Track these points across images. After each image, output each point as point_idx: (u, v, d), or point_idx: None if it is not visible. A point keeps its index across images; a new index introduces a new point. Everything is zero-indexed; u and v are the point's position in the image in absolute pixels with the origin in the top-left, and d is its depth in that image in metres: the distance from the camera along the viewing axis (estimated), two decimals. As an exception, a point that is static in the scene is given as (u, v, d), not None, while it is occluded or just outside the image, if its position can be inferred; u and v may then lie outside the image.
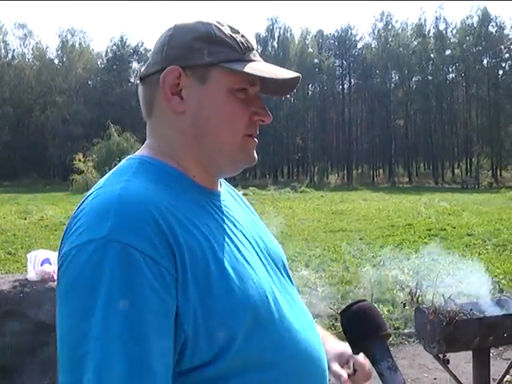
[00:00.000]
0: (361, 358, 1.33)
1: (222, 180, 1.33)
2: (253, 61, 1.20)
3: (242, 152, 1.22)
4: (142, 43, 75.88)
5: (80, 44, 73.99)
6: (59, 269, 1.05)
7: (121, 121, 52.71)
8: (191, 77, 1.17)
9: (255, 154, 1.25)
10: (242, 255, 1.15)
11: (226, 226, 1.19)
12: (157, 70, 1.19)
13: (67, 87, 69.28)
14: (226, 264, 1.09)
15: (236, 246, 1.16)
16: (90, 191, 1.13)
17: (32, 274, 4.36)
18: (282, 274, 1.28)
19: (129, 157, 1.24)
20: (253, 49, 1.22)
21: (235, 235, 1.19)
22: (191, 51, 1.17)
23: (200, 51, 1.16)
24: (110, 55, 73.87)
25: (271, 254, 1.29)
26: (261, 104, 1.22)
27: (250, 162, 1.25)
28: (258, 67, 1.19)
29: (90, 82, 74.13)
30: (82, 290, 0.97)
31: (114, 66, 72.27)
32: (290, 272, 1.36)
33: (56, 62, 74.47)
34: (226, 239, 1.15)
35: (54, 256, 4.46)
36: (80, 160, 43.45)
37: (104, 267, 0.96)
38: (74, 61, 70.96)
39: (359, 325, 1.22)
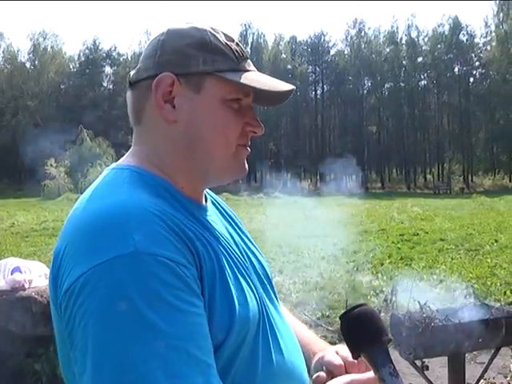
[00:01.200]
0: (330, 356, 1.32)
1: (206, 191, 1.29)
2: (247, 70, 1.17)
3: (235, 161, 1.19)
4: (115, 47, 75.85)
5: (52, 47, 73.18)
6: (68, 301, 0.94)
7: (93, 126, 52.24)
8: (185, 85, 1.13)
9: (246, 165, 1.22)
10: (233, 269, 1.12)
11: (216, 240, 1.15)
12: (148, 76, 1.15)
13: (39, 91, 68.61)
14: (227, 276, 1.07)
15: (230, 260, 1.14)
16: (83, 203, 1.06)
17: (2, 283, 4.26)
18: (266, 291, 1.26)
19: (114, 166, 1.17)
20: (247, 58, 1.19)
21: (226, 249, 1.16)
22: (186, 58, 1.13)
23: (195, 59, 1.13)
24: (83, 59, 73.28)
25: (257, 269, 1.27)
26: (253, 115, 1.19)
27: (241, 172, 1.21)
28: (254, 78, 1.16)
29: (62, 86, 73.43)
30: (124, 310, 0.89)
31: (87, 70, 71.75)
32: (274, 286, 1.33)
33: (28, 65, 73.67)
34: (220, 252, 1.12)
35: (24, 264, 4.38)
36: (52, 165, 43.00)
37: (146, 281, 0.91)
38: (46, 64, 70.24)
39: (361, 329, 1.19)
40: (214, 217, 1.25)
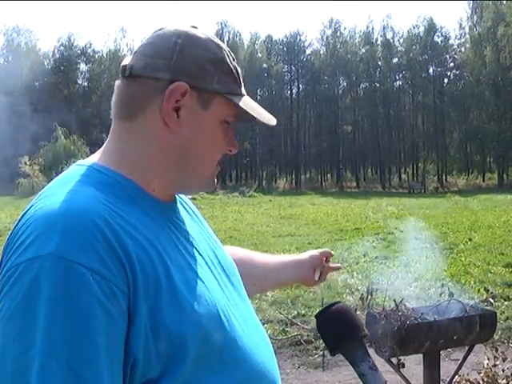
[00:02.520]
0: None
1: None
2: (243, 95, 1.19)
3: (210, 178, 1.21)
4: (90, 44, 74.72)
5: (26, 43, 72.34)
6: (2, 287, 0.95)
7: (68, 123, 51.76)
8: (196, 98, 1.12)
9: (215, 180, 1.25)
10: (195, 272, 1.10)
11: (178, 241, 1.13)
12: (160, 78, 1.10)
13: (12, 87, 67.80)
14: (178, 281, 1.03)
15: (188, 263, 1.10)
16: (34, 201, 1.05)
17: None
18: (235, 288, 1.24)
19: (77, 163, 1.15)
20: (242, 81, 1.21)
21: (188, 251, 1.14)
22: (204, 73, 1.12)
23: (212, 76, 1.13)
24: (58, 56, 72.45)
25: (224, 266, 1.25)
26: (233, 135, 1.22)
27: (212, 187, 1.25)
28: (251, 104, 1.19)
29: (36, 83, 72.65)
30: (25, 314, 0.89)
31: (62, 67, 70.94)
32: (242, 283, 1.32)
33: (1, 61, 72.85)
34: (179, 255, 1.09)
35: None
36: (26, 163, 42.63)
37: (48, 287, 0.89)
38: (20, 60, 69.43)
39: (338, 327, 1.19)
40: (181, 214, 1.24)
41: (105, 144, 1.17)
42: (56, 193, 1.02)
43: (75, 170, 1.11)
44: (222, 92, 1.13)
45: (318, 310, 1.20)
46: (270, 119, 1.24)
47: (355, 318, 1.21)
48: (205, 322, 1.03)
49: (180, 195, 1.32)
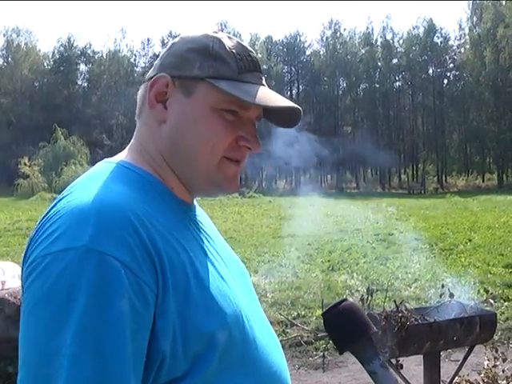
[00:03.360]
0: None
1: None
2: (249, 82, 1.13)
3: (219, 174, 1.14)
4: (90, 45, 74.61)
5: (26, 44, 72.21)
6: (27, 277, 0.96)
7: (67, 124, 51.79)
8: (178, 87, 1.13)
9: (237, 181, 1.19)
10: (218, 272, 1.11)
11: (202, 242, 1.15)
12: (152, 76, 1.16)
13: (12, 88, 67.79)
14: (206, 281, 1.05)
15: (213, 263, 1.12)
16: (64, 193, 1.05)
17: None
18: (249, 291, 1.25)
19: (105, 160, 1.18)
20: (255, 70, 1.15)
21: (211, 252, 1.15)
22: (184, 61, 1.13)
23: (192, 63, 1.12)
24: (57, 56, 72.33)
25: (238, 268, 1.27)
26: (251, 130, 1.15)
27: (228, 188, 1.18)
28: (249, 90, 1.11)
29: (36, 84, 72.62)
30: (56, 302, 0.90)
31: (61, 68, 70.86)
32: (252, 286, 1.33)
33: (0, 62, 72.80)
34: (204, 255, 1.11)
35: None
36: (25, 164, 42.58)
37: (82, 278, 0.90)
38: (20, 61, 69.32)
39: (347, 325, 1.18)
40: (201, 218, 1.25)
41: (130, 143, 1.22)
42: (88, 188, 1.03)
43: (104, 167, 1.13)
44: (204, 77, 1.11)
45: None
46: (275, 102, 1.13)
47: (364, 316, 1.21)
48: (230, 322, 1.04)
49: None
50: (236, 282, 1.18)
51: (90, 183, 1.05)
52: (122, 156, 1.18)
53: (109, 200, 0.99)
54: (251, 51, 1.16)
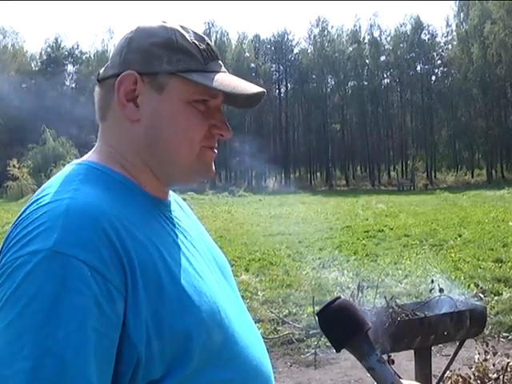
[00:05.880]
0: None
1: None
2: (215, 71, 1.14)
3: (199, 163, 1.16)
4: (78, 45, 74.69)
5: (13, 45, 71.96)
6: (1, 274, 0.96)
7: (56, 125, 51.45)
8: (148, 84, 1.11)
9: (213, 167, 1.20)
10: (194, 268, 1.10)
11: (176, 238, 1.14)
12: (114, 74, 1.13)
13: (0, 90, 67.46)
14: (179, 278, 1.03)
15: (187, 259, 1.10)
16: (35, 197, 1.05)
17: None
18: (229, 286, 1.25)
19: (74, 162, 1.16)
20: (217, 58, 1.17)
21: (186, 247, 1.14)
22: (149, 57, 1.11)
23: (159, 58, 1.11)
24: (45, 57, 72.18)
25: (219, 265, 1.26)
26: (221, 117, 1.17)
27: (207, 175, 1.19)
28: (220, 79, 1.13)
29: (23, 85, 72.23)
30: (19, 304, 0.89)
31: (49, 69, 70.61)
32: (234, 280, 1.32)
33: (-13, 63, 72.38)
34: (178, 251, 1.10)
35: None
36: (14, 166, 42.35)
37: (46, 281, 0.90)
38: (7, 63, 68.96)
39: (343, 323, 1.19)
40: (177, 213, 1.23)
41: (95, 146, 1.19)
42: (58, 190, 1.03)
43: (74, 169, 1.12)
44: (175, 71, 1.10)
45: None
46: (246, 89, 1.15)
47: (358, 312, 1.21)
48: (207, 319, 1.03)
49: (175, 196, 1.32)
50: (215, 276, 1.17)
51: (60, 186, 1.05)
52: (90, 158, 1.16)
53: (77, 202, 0.99)
54: (207, 39, 1.17)
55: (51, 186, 1.06)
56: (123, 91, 1.11)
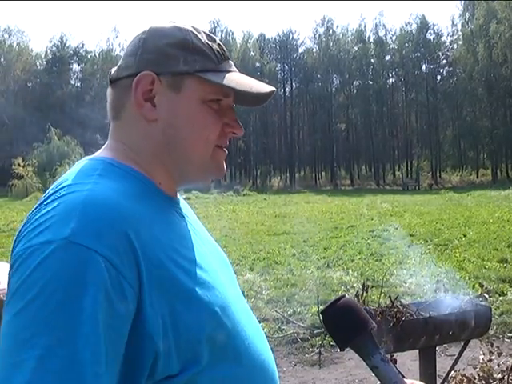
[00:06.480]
0: None
1: None
2: (228, 71, 1.17)
3: (213, 163, 1.19)
4: (83, 44, 74.97)
5: (18, 44, 72.02)
6: (11, 268, 0.97)
7: (61, 124, 51.61)
8: (165, 84, 1.13)
9: (225, 166, 1.22)
10: (207, 264, 1.11)
11: (189, 235, 1.15)
12: (129, 74, 1.14)
13: (5, 89, 67.56)
14: (194, 273, 1.05)
15: (200, 255, 1.12)
16: (52, 189, 1.05)
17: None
18: (232, 283, 1.26)
19: (89, 157, 1.17)
20: (228, 58, 1.20)
21: (198, 244, 1.15)
22: (166, 58, 1.13)
23: (175, 59, 1.13)
24: (50, 56, 72.21)
25: (222, 262, 1.27)
26: (233, 116, 1.20)
27: (219, 173, 1.22)
28: (234, 78, 1.16)
29: (29, 84, 72.41)
30: (31, 294, 0.89)
31: (54, 68, 70.72)
32: (236, 279, 1.34)
33: (-7, 62, 72.52)
34: (192, 248, 1.11)
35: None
36: (19, 164, 42.40)
37: (59, 271, 0.90)
38: (12, 62, 69.06)
39: (347, 322, 1.19)
40: (186, 211, 1.25)
41: (105, 144, 1.20)
42: (76, 183, 1.03)
43: (90, 164, 1.13)
44: (192, 71, 1.13)
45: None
46: (259, 88, 1.19)
47: (362, 311, 1.22)
48: (221, 314, 1.05)
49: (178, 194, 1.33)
50: (221, 273, 1.18)
51: (77, 179, 1.06)
52: (102, 154, 1.17)
53: (95, 194, 0.99)
54: (217, 39, 1.20)
55: (67, 179, 1.07)
56: (141, 91, 1.12)
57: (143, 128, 1.14)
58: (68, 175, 1.09)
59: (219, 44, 1.19)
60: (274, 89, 1.20)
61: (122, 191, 1.04)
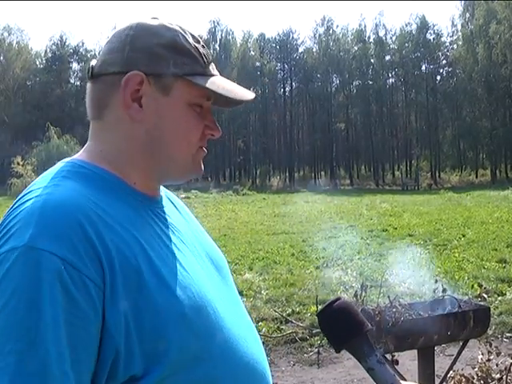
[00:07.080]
0: None
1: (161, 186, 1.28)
2: (212, 75, 1.18)
3: (194, 163, 1.20)
4: (83, 43, 74.68)
5: (18, 43, 71.83)
6: None
7: (61, 123, 51.61)
8: (154, 85, 1.12)
9: (202, 165, 1.23)
10: (180, 263, 1.10)
11: (163, 234, 1.14)
12: (115, 72, 1.12)
13: (4, 87, 67.48)
14: (162, 271, 1.03)
15: (173, 254, 1.11)
16: (22, 193, 1.07)
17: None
18: (224, 282, 1.25)
19: (63, 160, 1.17)
20: (212, 61, 1.20)
21: (173, 242, 1.14)
22: (156, 58, 1.12)
23: (165, 60, 1.12)
24: (50, 55, 72.09)
25: (213, 260, 1.26)
26: (212, 118, 1.20)
27: (198, 173, 1.23)
28: (221, 83, 1.17)
29: (28, 83, 72.31)
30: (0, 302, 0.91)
31: (54, 67, 70.60)
32: (232, 278, 1.33)
33: (-8, 61, 72.38)
34: (164, 247, 1.10)
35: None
36: (19, 163, 42.30)
37: (23, 277, 0.91)
38: (12, 60, 68.88)
39: (342, 324, 1.19)
40: (168, 209, 1.24)
41: (86, 144, 1.20)
42: (40, 187, 1.04)
43: (59, 166, 1.13)
44: (181, 74, 1.12)
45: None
46: (243, 95, 1.19)
47: (358, 313, 1.22)
48: (189, 314, 1.03)
49: (168, 193, 1.33)
50: (206, 273, 1.17)
51: (42, 183, 1.07)
52: (78, 156, 1.17)
53: (53, 198, 1.00)
54: (202, 41, 1.20)
55: (35, 183, 1.09)
56: (129, 91, 1.11)
57: (126, 128, 1.13)
58: (38, 179, 1.11)
59: (203, 46, 1.18)
60: (254, 95, 1.22)
61: (82, 191, 1.04)
